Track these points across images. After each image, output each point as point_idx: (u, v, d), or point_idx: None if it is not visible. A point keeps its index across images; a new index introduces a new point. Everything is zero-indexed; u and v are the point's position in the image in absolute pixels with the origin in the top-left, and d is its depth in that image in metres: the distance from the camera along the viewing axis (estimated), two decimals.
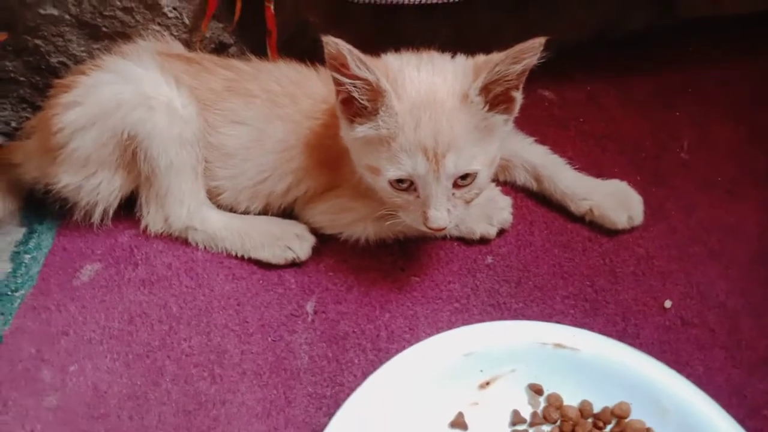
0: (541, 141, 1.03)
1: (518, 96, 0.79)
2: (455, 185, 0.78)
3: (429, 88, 0.76)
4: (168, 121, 0.86)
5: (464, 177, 0.78)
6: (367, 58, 0.73)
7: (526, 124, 1.08)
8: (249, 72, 0.92)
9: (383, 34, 1.17)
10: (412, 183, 0.78)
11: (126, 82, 0.86)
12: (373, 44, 1.07)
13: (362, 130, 0.77)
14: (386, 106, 0.75)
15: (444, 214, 0.78)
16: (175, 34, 1.00)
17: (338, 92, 0.77)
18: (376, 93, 0.75)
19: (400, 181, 0.78)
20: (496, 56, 0.75)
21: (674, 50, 1.26)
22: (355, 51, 0.72)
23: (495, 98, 0.77)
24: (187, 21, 1.00)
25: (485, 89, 0.75)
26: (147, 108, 0.85)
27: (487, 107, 0.76)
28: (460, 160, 0.76)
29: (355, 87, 0.74)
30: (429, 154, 0.75)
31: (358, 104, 0.76)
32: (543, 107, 1.16)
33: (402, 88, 0.76)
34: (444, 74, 0.77)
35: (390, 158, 0.76)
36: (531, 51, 0.72)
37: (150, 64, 0.89)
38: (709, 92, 1.18)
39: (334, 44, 0.71)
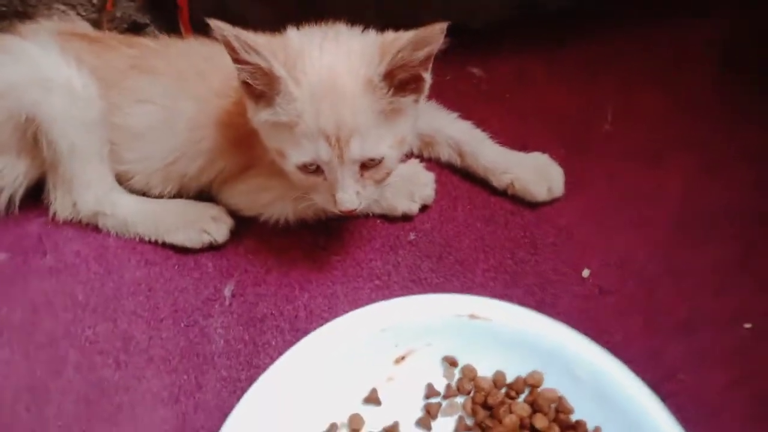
0: (468, 117, 1.02)
1: (428, 76, 0.77)
2: (363, 167, 0.76)
3: (330, 72, 0.73)
4: (67, 102, 0.82)
5: (372, 159, 0.76)
6: (259, 42, 0.70)
7: (454, 100, 1.07)
8: (155, 49, 0.89)
9: (304, 11, 1.15)
10: (318, 166, 0.76)
11: (20, 63, 0.82)
12: (297, 19, 1.05)
13: (264, 115, 0.74)
14: (283, 92, 0.72)
15: (352, 196, 0.76)
16: (83, 14, 0.97)
17: (238, 73, 0.74)
18: (271, 78, 0.72)
19: (306, 165, 0.76)
20: (400, 40, 0.72)
21: (602, 21, 1.24)
22: (243, 35, 0.69)
23: (401, 83, 0.74)
24: (94, 0, 0.97)
25: (389, 75, 0.72)
26: (44, 89, 0.81)
27: (392, 92, 0.74)
28: (366, 144, 0.74)
29: (248, 72, 0.72)
30: (331, 140, 0.72)
31: (256, 89, 0.74)
32: (471, 83, 1.15)
33: (301, 71, 0.72)
34: (348, 55, 0.74)
35: (293, 143, 0.74)
36: (433, 38, 0.70)
37: (48, 43, 0.85)
38: (634, 61, 1.18)
39: (219, 29, 0.68)
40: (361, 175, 0.77)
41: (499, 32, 1.21)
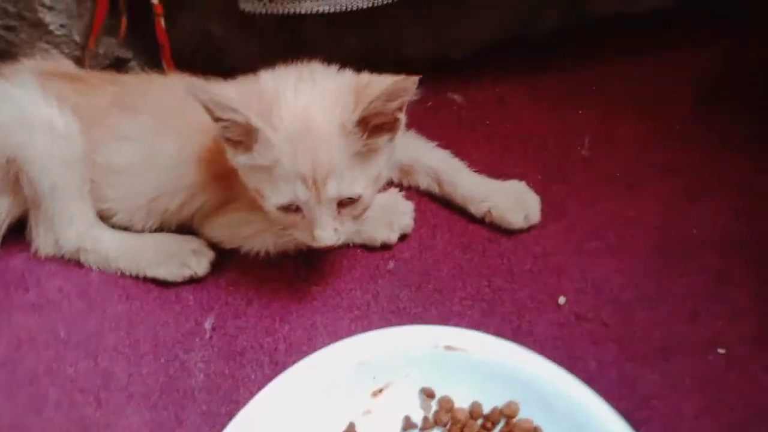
0: (448, 144, 1.03)
1: (402, 117, 0.79)
2: (340, 204, 0.78)
3: (306, 116, 0.75)
4: (49, 142, 0.84)
5: (349, 198, 0.78)
6: (233, 98, 0.72)
7: (434, 127, 1.09)
8: (137, 86, 0.90)
9: (289, 43, 1.17)
10: (297, 206, 0.77)
11: (2, 105, 0.84)
12: (281, 52, 1.07)
13: (242, 160, 0.77)
14: (261, 140, 0.74)
15: (330, 233, 0.78)
16: (66, 51, 0.99)
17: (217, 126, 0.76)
18: (248, 129, 0.74)
19: (284, 205, 0.77)
20: (373, 87, 0.74)
21: (585, 48, 1.26)
22: (217, 97, 0.71)
23: (375, 126, 0.76)
24: (77, 38, 0.98)
25: (363, 121, 0.75)
26: (26, 130, 0.83)
27: (366, 135, 0.76)
28: (342, 185, 0.76)
29: (226, 128, 0.74)
30: (308, 182, 0.74)
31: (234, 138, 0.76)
32: (451, 110, 1.17)
33: (277, 117, 0.74)
34: (323, 97, 0.76)
35: (271, 185, 0.76)
36: (406, 90, 0.73)
37: (29, 84, 0.87)
38: (616, 89, 1.20)
39: (194, 94, 0.71)
40: (339, 212, 0.78)
41: (481, 59, 1.23)
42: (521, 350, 0.76)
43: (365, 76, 0.78)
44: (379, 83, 0.73)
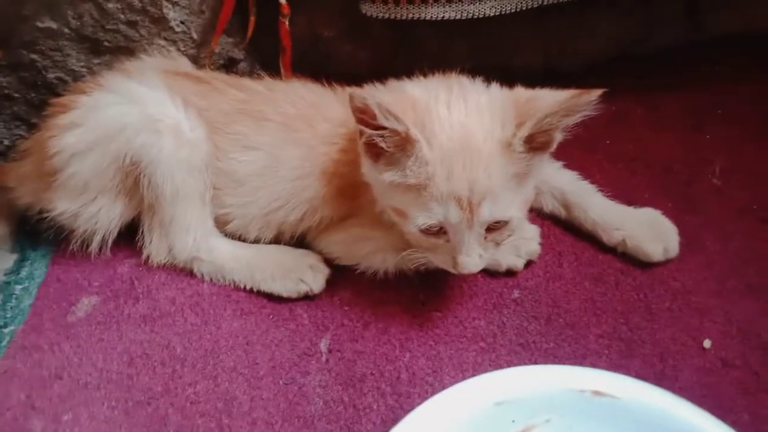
0: (568, 165, 0.97)
1: (559, 135, 0.74)
2: (488, 229, 0.73)
3: (463, 132, 0.69)
4: (175, 145, 0.80)
5: (498, 221, 0.72)
6: (394, 106, 0.67)
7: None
8: (262, 93, 0.86)
9: (400, 48, 1.12)
10: (442, 227, 0.72)
11: (130, 104, 0.80)
12: (389, 58, 1.02)
13: (388, 176, 0.71)
14: (416, 155, 0.69)
15: (475, 260, 0.73)
16: (182, 49, 0.95)
17: (361, 133, 0.70)
18: (404, 141, 0.68)
19: (430, 227, 0.72)
20: (543, 103, 0.68)
21: (702, 67, 1.20)
22: (384, 103, 0.66)
23: (538, 143, 0.71)
24: (195, 35, 0.95)
25: (529, 138, 0.69)
26: (153, 132, 0.79)
27: (531, 154, 0.71)
28: (497, 207, 0.70)
29: (381, 137, 0.68)
30: (463, 203, 0.69)
31: (376, 148, 0.70)
32: (568, 128, 1.10)
33: (432, 132, 0.69)
34: (479, 114, 0.71)
35: (419, 206, 0.71)
36: (586, 105, 0.67)
37: (156, 83, 0.83)
38: (740, 112, 1.12)
39: (361, 99, 0.65)
40: (485, 238, 0.73)
41: (595, 74, 1.16)
42: (677, 400, 0.70)
43: (522, 91, 0.72)
44: (547, 98, 0.68)
